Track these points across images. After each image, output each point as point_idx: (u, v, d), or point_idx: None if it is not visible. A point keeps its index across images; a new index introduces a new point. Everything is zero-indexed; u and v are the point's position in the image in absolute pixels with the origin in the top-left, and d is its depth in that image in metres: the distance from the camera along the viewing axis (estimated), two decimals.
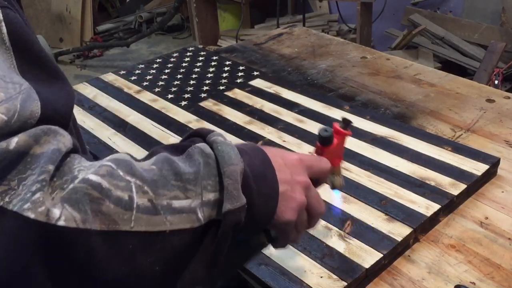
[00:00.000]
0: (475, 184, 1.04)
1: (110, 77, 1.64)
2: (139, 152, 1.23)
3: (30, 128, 0.45)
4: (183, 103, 1.44)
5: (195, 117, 1.36)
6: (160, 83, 1.57)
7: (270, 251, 0.80)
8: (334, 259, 0.87)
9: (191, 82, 1.56)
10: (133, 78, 1.62)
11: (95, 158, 1.22)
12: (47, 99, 0.48)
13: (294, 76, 1.60)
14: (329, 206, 0.97)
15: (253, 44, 1.87)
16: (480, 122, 1.28)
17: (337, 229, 0.94)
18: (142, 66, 1.71)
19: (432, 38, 3.41)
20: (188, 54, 1.77)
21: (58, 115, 0.49)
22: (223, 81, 1.55)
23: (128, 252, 0.45)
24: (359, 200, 1.00)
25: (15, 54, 0.49)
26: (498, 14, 3.32)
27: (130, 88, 1.56)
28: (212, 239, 0.50)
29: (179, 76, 1.61)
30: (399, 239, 0.90)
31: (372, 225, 0.94)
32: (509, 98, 1.38)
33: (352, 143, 1.19)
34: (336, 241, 0.91)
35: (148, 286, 0.47)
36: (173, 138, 1.27)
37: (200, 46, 3.36)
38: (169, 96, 1.49)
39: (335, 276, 0.84)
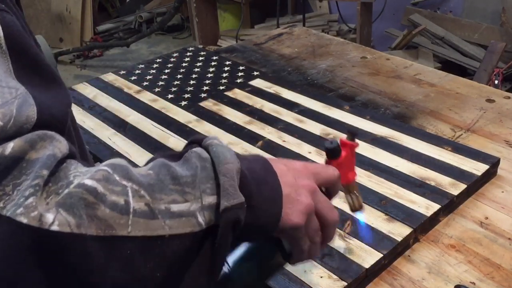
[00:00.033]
0: (475, 184, 1.04)
1: (110, 77, 1.64)
2: (139, 152, 1.23)
3: (26, 133, 0.44)
4: (183, 103, 1.44)
5: (195, 117, 1.36)
6: (160, 83, 1.57)
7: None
8: (334, 259, 0.87)
9: (191, 82, 1.56)
10: (133, 78, 1.62)
11: (95, 158, 1.22)
12: (43, 103, 0.47)
13: (294, 76, 1.60)
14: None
15: (253, 44, 1.87)
16: (480, 122, 1.28)
17: (337, 229, 0.93)
18: (142, 66, 1.71)
19: (432, 38, 3.41)
20: (188, 54, 1.77)
21: (54, 119, 0.49)
22: (223, 81, 1.55)
23: (127, 258, 0.44)
24: None
25: (12, 58, 0.48)
26: (498, 14, 3.32)
27: (130, 88, 1.56)
28: (212, 243, 0.49)
29: (179, 76, 1.61)
30: (399, 239, 0.90)
31: (372, 225, 0.94)
32: (509, 98, 1.38)
33: None
34: (336, 241, 0.91)
35: None
36: (173, 138, 1.27)
37: (200, 46, 3.36)
38: (169, 96, 1.49)
39: (335, 276, 0.84)
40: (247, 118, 1.34)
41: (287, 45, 1.83)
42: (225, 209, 0.49)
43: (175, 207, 0.47)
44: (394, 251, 0.90)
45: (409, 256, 0.91)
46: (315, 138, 1.23)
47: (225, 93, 1.48)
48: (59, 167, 0.44)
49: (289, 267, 0.85)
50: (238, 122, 1.32)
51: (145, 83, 1.58)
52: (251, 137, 1.25)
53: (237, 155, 0.53)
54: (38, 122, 0.46)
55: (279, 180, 0.55)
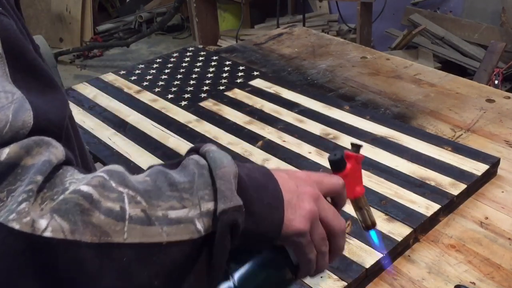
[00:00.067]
0: (475, 184, 1.04)
1: (110, 77, 1.64)
2: (139, 152, 1.23)
3: (22, 138, 0.44)
4: (183, 103, 1.44)
5: (195, 117, 1.36)
6: (160, 83, 1.57)
7: None
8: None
9: (191, 82, 1.56)
10: (133, 78, 1.62)
11: (95, 158, 1.22)
12: (40, 108, 0.47)
13: (294, 76, 1.60)
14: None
15: (253, 44, 1.87)
16: (480, 122, 1.28)
17: None
18: (142, 66, 1.71)
19: (432, 38, 3.41)
20: (188, 54, 1.77)
21: (51, 125, 0.48)
22: (223, 81, 1.55)
23: (123, 265, 0.43)
24: None
25: (8, 62, 0.48)
26: (498, 14, 3.32)
27: (130, 88, 1.56)
28: (211, 250, 0.48)
29: (179, 76, 1.61)
30: (399, 239, 0.90)
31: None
32: (509, 98, 1.38)
33: None
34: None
35: None
36: (173, 138, 1.27)
37: (200, 46, 3.36)
38: (169, 96, 1.49)
39: (335, 276, 0.84)
40: (247, 118, 1.34)
41: (287, 45, 1.83)
42: (222, 211, 0.48)
43: (173, 214, 0.46)
44: (394, 251, 0.90)
45: (409, 256, 0.91)
46: (315, 138, 1.23)
47: (225, 93, 1.48)
48: (55, 173, 0.44)
49: None
50: (238, 122, 1.32)
51: (145, 83, 1.58)
52: (251, 137, 1.25)
53: (237, 162, 0.52)
54: (35, 127, 0.45)
55: (280, 187, 0.54)
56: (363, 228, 0.69)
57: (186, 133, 1.29)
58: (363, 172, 1.07)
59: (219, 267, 0.49)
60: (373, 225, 0.68)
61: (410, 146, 1.16)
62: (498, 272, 0.86)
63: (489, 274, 0.86)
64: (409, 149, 1.15)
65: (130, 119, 1.38)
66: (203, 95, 1.48)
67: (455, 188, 1.02)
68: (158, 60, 1.74)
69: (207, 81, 1.56)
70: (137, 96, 1.51)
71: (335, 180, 0.60)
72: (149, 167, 0.51)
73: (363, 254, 0.88)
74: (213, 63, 1.68)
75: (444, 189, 1.01)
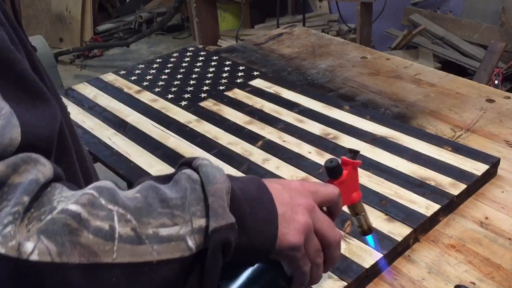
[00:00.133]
0: (475, 184, 1.04)
1: (110, 77, 1.64)
2: (139, 152, 1.23)
3: (10, 156, 0.43)
4: (183, 103, 1.44)
5: (195, 117, 1.36)
6: (160, 83, 1.57)
7: None
8: None
9: (191, 82, 1.56)
10: (133, 78, 1.62)
11: (95, 158, 1.22)
12: (29, 123, 0.46)
13: (294, 76, 1.60)
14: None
15: (253, 44, 1.87)
16: (480, 122, 1.28)
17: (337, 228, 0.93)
18: (142, 66, 1.71)
19: (432, 38, 3.41)
20: (188, 54, 1.77)
21: (40, 140, 0.47)
22: (223, 81, 1.55)
23: (112, 286, 0.42)
24: None
25: None
26: (498, 14, 3.32)
27: (130, 88, 1.56)
28: (203, 267, 0.47)
29: (179, 76, 1.61)
30: (399, 239, 0.90)
31: (372, 225, 0.94)
32: (509, 98, 1.38)
33: (352, 143, 1.19)
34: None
35: None
36: (173, 138, 1.27)
37: (200, 46, 3.36)
38: (169, 96, 1.49)
39: (335, 276, 0.84)
40: (247, 118, 1.34)
41: (287, 45, 1.83)
42: (214, 230, 0.47)
43: (163, 231, 0.45)
44: (394, 251, 0.90)
45: (409, 256, 0.91)
46: (315, 138, 1.23)
47: (225, 93, 1.48)
48: (42, 192, 0.43)
49: None
50: (238, 122, 1.32)
51: (145, 83, 1.58)
52: (251, 137, 1.25)
53: (230, 176, 0.51)
54: (22, 143, 0.44)
55: (274, 200, 0.53)
56: (360, 233, 0.69)
57: (186, 133, 1.29)
58: (363, 172, 1.08)
59: (211, 284, 0.48)
60: (369, 230, 0.68)
61: (410, 146, 1.16)
62: (498, 272, 0.86)
63: (489, 274, 0.86)
64: (409, 149, 1.15)
65: (130, 119, 1.38)
66: (203, 95, 1.48)
67: (455, 188, 1.02)
68: (158, 60, 1.74)
69: (207, 81, 1.56)
70: (137, 96, 1.51)
71: (331, 190, 0.59)
72: (140, 181, 0.51)
73: (363, 254, 0.88)
74: (213, 63, 1.68)
75: (444, 189, 1.01)
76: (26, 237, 0.40)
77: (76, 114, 1.42)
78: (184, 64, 1.69)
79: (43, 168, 0.44)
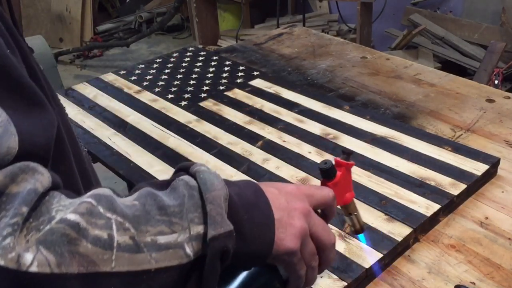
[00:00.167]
0: (475, 184, 1.04)
1: (110, 77, 1.64)
2: (139, 152, 1.23)
3: (7, 165, 0.43)
4: (183, 103, 1.44)
5: (195, 117, 1.36)
6: (160, 83, 1.57)
7: None
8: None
9: (191, 82, 1.56)
10: (133, 78, 1.62)
11: (95, 158, 1.22)
12: (26, 131, 0.46)
13: (294, 76, 1.60)
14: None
15: (253, 44, 1.87)
16: (480, 122, 1.28)
17: (337, 229, 0.94)
18: (142, 66, 1.71)
19: (432, 38, 3.41)
20: (188, 54, 1.77)
21: (37, 148, 0.47)
22: (223, 81, 1.55)
23: None
24: (359, 200, 1.00)
25: None
26: (498, 14, 3.32)
27: (130, 88, 1.56)
28: (200, 274, 0.48)
29: (179, 76, 1.61)
30: (399, 239, 0.90)
31: (372, 225, 0.94)
32: (509, 98, 1.38)
33: (352, 143, 1.19)
34: (336, 241, 0.91)
35: None
36: (173, 138, 1.27)
37: (200, 46, 3.36)
38: (169, 96, 1.49)
39: (335, 276, 0.84)
40: (247, 118, 1.34)
41: (287, 45, 1.83)
42: (212, 238, 0.47)
43: (162, 239, 0.46)
44: (394, 251, 0.90)
45: (409, 256, 0.91)
46: (315, 138, 1.23)
47: (225, 93, 1.48)
48: (41, 201, 0.43)
49: None
50: (238, 122, 1.32)
51: (145, 83, 1.58)
52: (251, 137, 1.25)
53: (227, 181, 0.52)
54: (20, 152, 0.44)
55: (271, 205, 0.53)
56: (353, 232, 0.70)
57: (186, 133, 1.29)
58: (363, 172, 1.08)
59: None
60: (362, 229, 0.69)
61: (410, 146, 1.16)
62: (498, 272, 0.86)
63: (489, 274, 0.86)
64: (409, 149, 1.15)
65: (130, 119, 1.38)
66: (203, 95, 1.48)
67: (455, 188, 1.02)
68: (158, 60, 1.74)
69: (207, 81, 1.56)
70: (137, 96, 1.51)
71: (326, 193, 0.60)
72: (138, 187, 0.51)
73: (363, 254, 0.88)
74: (213, 63, 1.68)
75: (444, 189, 1.01)
76: (25, 248, 0.40)
77: (76, 114, 1.42)
78: (184, 64, 1.69)
79: (41, 177, 0.44)
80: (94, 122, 1.38)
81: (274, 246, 0.52)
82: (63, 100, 1.50)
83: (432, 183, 1.04)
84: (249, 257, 0.52)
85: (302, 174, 1.10)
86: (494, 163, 1.08)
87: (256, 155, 1.18)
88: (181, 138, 1.27)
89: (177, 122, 1.34)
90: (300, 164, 1.14)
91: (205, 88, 1.52)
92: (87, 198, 0.45)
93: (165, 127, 1.32)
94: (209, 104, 1.43)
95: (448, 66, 3.17)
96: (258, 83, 1.52)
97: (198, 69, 1.64)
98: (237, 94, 1.47)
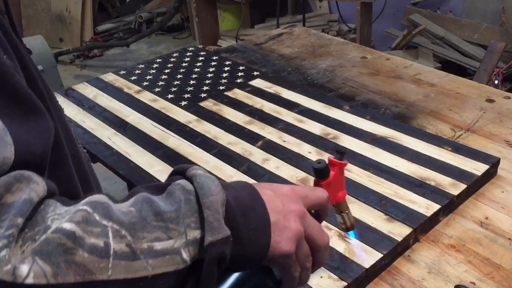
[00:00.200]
0: (475, 184, 1.04)
1: (110, 77, 1.64)
2: (139, 152, 1.23)
3: (2, 175, 0.43)
4: (183, 103, 1.44)
5: (195, 117, 1.36)
6: (160, 83, 1.57)
7: None
8: (334, 259, 0.87)
9: (191, 82, 1.56)
10: (133, 78, 1.62)
11: (95, 158, 1.21)
12: (22, 141, 0.45)
13: (294, 76, 1.60)
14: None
15: (253, 44, 1.87)
16: (480, 122, 1.28)
17: (337, 229, 0.94)
18: (142, 66, 1.71)
19: (432, 38, 3.41)
20: (188, 54, 1.77)
21: (33, 156, 0.47)
22: (223, 81, 1.55)
23: None
24: (359, 200, 1.00)
25: None
26: (498, 14, 3.32)
27: (130, 88, 1.56)
28: (197, 278, 0.48)
29: (179, 76, 1.61)
30: (399, 239, 0.90)
31: (372, 225, 0.94)
32: (509, 98, 1.38)
33: (352, 143, 1.19)
34: (336, 241, 0.91)
35: None
36: (173, 138, 1.27)
37: (200, 46, 3.36)
38: (169, 96, 1.49)
39: (335, 276, 0.84)
40: (247, 118, 1.34)
41: (287, 45, 1.83)
42: (210, 244, 0.47)
43: (158, 245, 0.45)
44: (394, 251, 0.90)
45: (409, 256, 0.91)
46: (315, 138, 1.23)
47: (225, 93, 1.48)
48: (36, 210, 0.43)
49: None
50: (238, 122, 1.32)
51: (145, 83, 1.58)
52: (251, 137, 1.25)
53: (223, 184, 0.52)
54: (16, 161, 0.44)
55: (267, 207, 0.53)
56: (343, 229, 0.71)
57: (186, 133, 1.29)
58: (363, 172, 1.08)
59: None
60: (352, 226, 0.70)
61: (410, 146, 1.16)
62: (498, 272, 0.86)
63: (489, 274, 0.86)
64: (409, 149, 1.15)
65: (130, 119, 1.38)
66: (203, 95, 1.48)
67: (455, 188, 1.02)
68: (158, 60, 1.75)
69: (207, 81, 1.56)
70: (137, 96, 1.51)
71: (320, 194, 0.60)
72: (133, 191, 0.50)
73: (363, 254, 0.88)
74: (213, 63, 1.68)
75: (444, 189, 1.01)
76: (21, 260, 0.40)
77: (76, 114, 1.42)
78: (184, 64, 1.69)
79: (36, 186, 0.44)
80: (94, 122, 1.38)
81: (270, 249, 0.53)
82: (63, 100, 1.50)
83: (432, 183, 1.04)
84: (245, 260, 0.52)
85: (302, 174, 1.10)
86: (494, 163, 1.08)
87: (256, 155, 1.18)
88: (181, 138, 1.27)
89: (177, 122, 1.34)
90: (300, 164, 1.14)
91: (205, 88, 1.52)
92: (82, 205, 0.44)
93: (165, 127, 1.32)
94: (209, 104, 1.43)
95: (448, 66, 3.17)
96: (258, 83, 1.52)
97: (198, 69, 1.64)
98: (237, 94, 1.47)
